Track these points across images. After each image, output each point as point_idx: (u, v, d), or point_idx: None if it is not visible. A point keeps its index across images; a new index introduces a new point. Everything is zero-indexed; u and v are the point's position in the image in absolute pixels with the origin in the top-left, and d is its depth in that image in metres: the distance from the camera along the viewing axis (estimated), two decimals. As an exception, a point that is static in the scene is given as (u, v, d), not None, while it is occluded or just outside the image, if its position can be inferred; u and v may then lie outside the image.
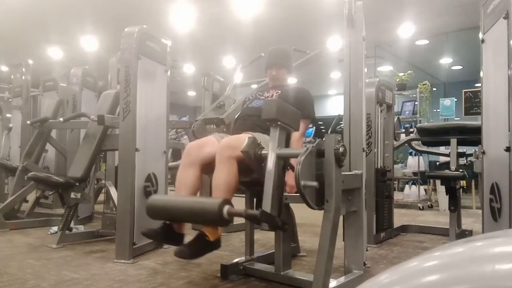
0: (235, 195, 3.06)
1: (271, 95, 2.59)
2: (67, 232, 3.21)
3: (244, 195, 2.58)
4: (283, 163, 2.10)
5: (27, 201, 4.33)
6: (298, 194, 1.83)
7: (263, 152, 2.05)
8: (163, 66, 3.18)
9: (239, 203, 3.20)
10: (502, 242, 0.53)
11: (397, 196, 6.05)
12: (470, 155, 3.94)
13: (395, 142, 3.90)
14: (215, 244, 2.00)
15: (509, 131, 2.10)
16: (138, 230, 2.81)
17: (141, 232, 2.06)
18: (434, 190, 6.47)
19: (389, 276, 0.52)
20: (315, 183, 1.80)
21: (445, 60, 9.39)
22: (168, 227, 2.10)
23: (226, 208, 1.71)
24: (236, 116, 2.68)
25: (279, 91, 2.59)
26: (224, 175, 2.04)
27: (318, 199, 1.90)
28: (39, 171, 3.94)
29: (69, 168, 3.53)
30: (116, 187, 3.26)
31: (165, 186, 3.22)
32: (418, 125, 4.63)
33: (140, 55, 2.86)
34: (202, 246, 1.96)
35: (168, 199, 2.01)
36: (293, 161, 2.35)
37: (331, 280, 1.96)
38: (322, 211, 1.92)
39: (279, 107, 1.92)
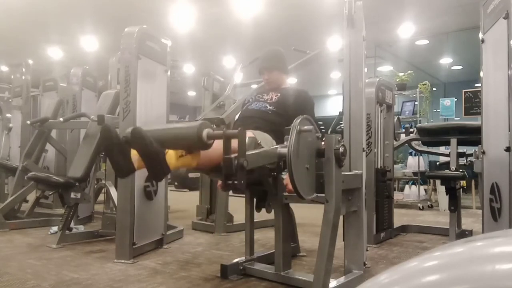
0: (235, 195, 3.07)
1: (270, 97, 2.58)
2: (67, 232, 3.21)
3: (244, 195, 2.58)
4: (282, 164, 2.10)
5: (27, 201, 4.33)
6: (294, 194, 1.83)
7: (263, 152, 2.05)
8: (163, 66, 3.18)
9: (239, 203, 3.21)
10: (502, 242, 0.53)
11: (397, 196, 6.05)
12: (470, 155, 3.94)
13: (395, 142, 3.90)
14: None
15: (509, 131, 2.10)
16: (138, 230, 2.82)
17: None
18: (434, 190, 6.47)
19: (389, 276, 0.52)
20: (307, 165, 1.79)
21: (445, 60, 9.39)
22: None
23: (205, 131, 1.68)
24: (235, 118, 2.68)
25: (279, 94, 2.58)
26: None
27: (309, 188, 1.89)
28: (39, 171, 3.93)
29: (69, 168, 3.53)
30: (116, 187, 3.26)
31: (165, 186, 3.22)
32: (418, 125, 4.63)
33: (140, 55, 2.86)
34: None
35: (151, 128, 1.87)
36: None
37: (331, 280, 1.96)
38: (322, 211, 1.92)
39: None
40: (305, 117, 1.91)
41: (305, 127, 1.86)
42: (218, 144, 1.72)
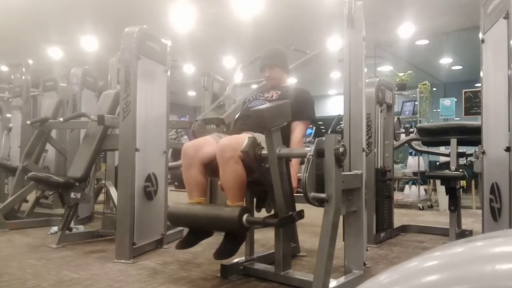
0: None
1: (271, 95, 2.58)
2: (67, 232, 3.21)
3: (244, 194, 2.58)
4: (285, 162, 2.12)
5: (27, 201, 4.33)
6: (299, 194, 1.86)
7: (263, 152, 2.05)
8: (163, 66, 3.18)
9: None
10: (502, 242, 0.53)
11: (397, 196, 6.05)
12: (470, 155, 3.94)
13: (395, 142, 3.90)
14: (244, 237, 2.22)
15: (509, 131, 2.10)
16: (138, 230, 2.82)
17: (176, 247, 2.23)
18: (434, 190, 6.47)
19: (389, 276, 0.52)
20: (324, 195, 1.86)
21: (445, 60, 9.39)
22: (194, 231, 2.26)
23: (245, 216, 1.77)
24: (236, 117, 2.68)
25: (279, 92, 2.58)
26: (232, 176, 2.08)
27: (320, 199, 1.92)
28: (39, 171, 3.93)
29: (69, 168, 3.53)
30: (116, 187, 3.26)
31: (165, 186, 3.22)
32: (418, 125, 4.63)
33: (140, 55, 2.86)
34: (234, 242, 2.14)
35: (190, 207, 2.20)
36: (293, 160, 2.36)
37: (331, 280, 1.96)
38: (322, 211, 1.92)
39: (267, 114, 1.98)
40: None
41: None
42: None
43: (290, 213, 2.09)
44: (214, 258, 2.10)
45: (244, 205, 2.19)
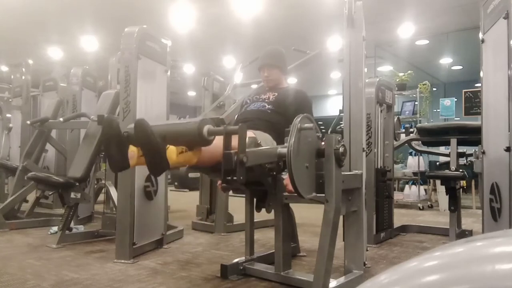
0: (235, 195, 3.07)
1: (268, 96, 2.58)
2: (67, 232, 3.21)
3: (244, 195, 2.58)
4: (282, 164, 2.10)
5: (27, 201, 4.33)
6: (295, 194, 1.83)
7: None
8: (163, 66, 3.18)
9: (239, 203, 3.21)
10: (502, 242, 0.53)
11: (397, 196, 6.05)
12: (470, 155, 3.94)
13: (395, 142, 3.90)
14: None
15: (509, 131, 2.10)
16: (138, 230, 2.82)
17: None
18: (434, 190, 6.47)
19: (389, 276, 0.52)
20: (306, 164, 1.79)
21: (445, 60, 9.39)
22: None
23: (206, 127, 1.69)
24: (235, 119, 2.67)
25: (276, 93, 2.58)
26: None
27: (309, 187, 1.89)
28: (39, 171, 3.93)
29: (69, 168, 3.53)
30: (116, 187, 3.26)
31: (165, 186, 3.22)
32: (418, 125, 4.63)
33: (140, 55, 2.86)
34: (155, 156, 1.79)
35: (154, 124, 1.84)
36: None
37: (331, 280, 1.96)
38: (322, 211, 1.92)
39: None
40: (305, 115, 1.91)
41: (306, 125, 1.86)
42: (218, 142, 1.73)
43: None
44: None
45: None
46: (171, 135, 1.77)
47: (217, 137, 1.75)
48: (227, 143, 1.67)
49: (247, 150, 1.70)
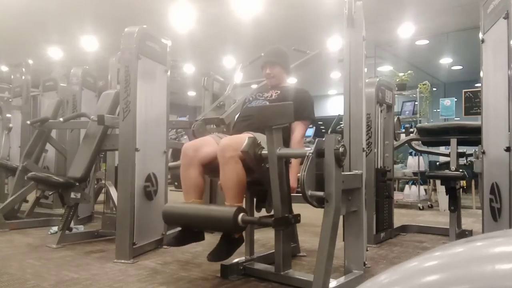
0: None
1: (270, 95, 2.58)
2: (67, 232, 3.21)
3: (243, 195, 2.58)
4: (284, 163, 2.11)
5: (27, 201, 4.32)
6: (298, 195, 1.85)
7: (263, 152, 2.05)
8: (163, 66, 3.18)
9: (239, 203, 3.20)
10: (502, 242, 0.53)
11: (397, 196, 6.05)
12: (470, 155, 3.94)
13: (395, 142, 3.90)
14: (240, 240, 2.17)
15: (509, 131, 2.10)
16: (138, 230, 2.82)
17: (166, 244, 2.19)
18: (434, 190, 6.47)
19: (389, 276, 0.52)
20: (321, 193, 1.84)
21: (445, 60, 9.39)
22: (186, 230, 2.22)
23: (240, 216, 1.76)
24: (236, 117, 2.68)
25: (278, 91, 2.59)
26: (232, 176, 2.07)
27: (319, 198, 1.91)
28: (39, 171, 3.93)
29: (69, 168, 3.53)
30: (116, 187, 3.26)
31: (165, 186, 3.22)
32: (418, 125, 4.63)
33: (140, 55, 2.86)
34: (230, 244, 2.13)
35: (184, 207, 2.16)
36: (294, 161, 2.36)
37: (331, 280, 1.96)
38: (322, 211, 1.92)
39: (269, 111, 1.97)
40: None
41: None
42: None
43: (287, 215, 2.08)
44: (208, 260, 2.08)
45: (243, 206, 2.19)
46: (206, 224, 2.09)
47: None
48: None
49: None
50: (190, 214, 2.11)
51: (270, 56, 2.69)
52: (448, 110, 6.72)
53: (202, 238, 2.28)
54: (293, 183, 2.31)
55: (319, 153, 1.93)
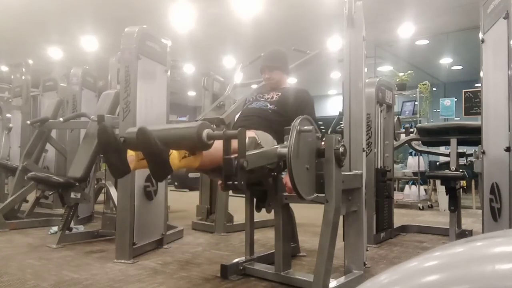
0: (235, 195, 3.07)
1: (271, 96, 2.59)
2: (67, 232, 3.21)
3: (244, 195, 2.58)
4: (282, 164, 2.10)
5: (27, 201, 4.33)
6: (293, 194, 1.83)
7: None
8: (163, 66, 3.18)
9: (239, 203, 3.21)
10: (502, 242, 0.53)
11: (397, 196, 6.05)
12: (470, 155, 3.94)
13: (395, 142, 3.90)
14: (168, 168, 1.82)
15: (509, 131, 2.10)
16: (138, 230, 2.82)
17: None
18: (434, 190, 6.47)
19: (389, 276, 0.52)
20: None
21: (445, 60, 9.39)
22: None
23: (205, 131, 1.69)
24: (236, 117, 2.68)
25: (279, 93, 2.59)
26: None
27: (309, 188, 1.89)
28: (39, 171, 3.93)
29: (69, 168, 3.53)
30: (116, 187, 3.26)
31: (165, 186, 3.22)
32: (418, 125, 4.63)
33: (140, 55, 2.86)
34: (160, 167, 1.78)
35: (153, 128, 1.82)
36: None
37: (331, 280, 1.96)
38: (322, 211, 1.92)
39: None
40: (305, 117, 1.91)
41: (305, 127, 1.86)
42: (219, 145, 1.73)
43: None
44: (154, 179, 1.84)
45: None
46: (171, 140, 1.77)
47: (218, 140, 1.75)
48: (226, 148, 1.67)
49: (247, 153, 1.70)
50: (159, 133, 1.80)
51: (269, 61, 2.69)
52: (448, 110, 6.72)
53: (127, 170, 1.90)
54: (286, 182, 2.31)
55: (319, 153, 1.93)
